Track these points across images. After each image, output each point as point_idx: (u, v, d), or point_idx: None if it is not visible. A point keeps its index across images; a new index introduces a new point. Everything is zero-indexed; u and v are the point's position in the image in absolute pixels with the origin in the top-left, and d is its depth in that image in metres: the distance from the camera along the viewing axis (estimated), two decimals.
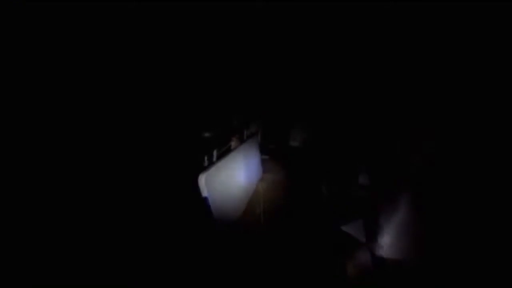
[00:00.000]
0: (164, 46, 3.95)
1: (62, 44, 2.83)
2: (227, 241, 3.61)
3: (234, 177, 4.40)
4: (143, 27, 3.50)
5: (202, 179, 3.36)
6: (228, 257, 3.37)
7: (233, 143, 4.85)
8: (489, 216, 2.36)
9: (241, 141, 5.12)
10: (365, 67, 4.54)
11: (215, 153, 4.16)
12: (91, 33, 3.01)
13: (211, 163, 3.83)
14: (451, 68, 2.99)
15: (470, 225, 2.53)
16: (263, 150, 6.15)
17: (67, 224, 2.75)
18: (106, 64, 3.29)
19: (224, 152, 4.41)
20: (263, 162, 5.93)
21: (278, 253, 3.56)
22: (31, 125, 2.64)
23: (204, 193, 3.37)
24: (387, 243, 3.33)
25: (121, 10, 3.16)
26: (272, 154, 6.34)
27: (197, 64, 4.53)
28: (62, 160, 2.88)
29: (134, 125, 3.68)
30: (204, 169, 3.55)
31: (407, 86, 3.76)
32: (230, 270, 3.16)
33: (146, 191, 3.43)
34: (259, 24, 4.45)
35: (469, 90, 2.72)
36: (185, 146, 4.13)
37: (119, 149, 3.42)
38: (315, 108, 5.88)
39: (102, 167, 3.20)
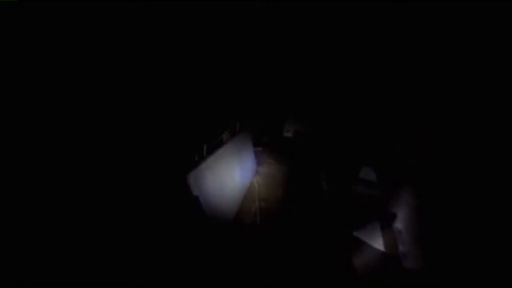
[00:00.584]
0: (162, 43, 3.79)
1: (60, 43, 2.75)
2: (222, 242, 3.32)
3: (227, 172, 4.09)
4: (142, 26, 3.43)
5: (192, 178, 3.03)
6: (223, 259, 3.10)
7: (224, 137, 4.50)
8: (490, 216, 2.34)
9: (233, 134, 4.77)
10: (364, 66, 4.48)
11: (205, 148, 3.81)
12: (90, 32, 2.93)
13: (201, 159, 3.48)
14: (452, 69, 2.97)
15: (472, 226, 2.47)
16: (256, 142, 5.84)
17: (53, 224, 2.47)
18: (94, 61, 3.01)
19: (215, 147, 4.06)
20: (256, 154, 5.63)
21: (276, 255, 3.33)
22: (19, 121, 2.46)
23: (195, 192, 3.04)
24: (412, 251, 3.06)
25: (121, 10, 3.12)
26: (265, 146, 6.06)
27: (189, 60, 4.29)
28: (46, 158, 2.54)
29: (121, 121, 3.30)
30: (193, 166, 3.21)
31: (408, 86, 3.72)
32: (225, 273, 2.92)
33: (134, 190, 3.05)
34: (259, 24, 4.43)
35: (469, 91, 2.73)
36: (174, 141, 3.74)
37: (103, 147, 3.03)
38: (312, 100, 5.64)
39: (87, 165, 2.83)
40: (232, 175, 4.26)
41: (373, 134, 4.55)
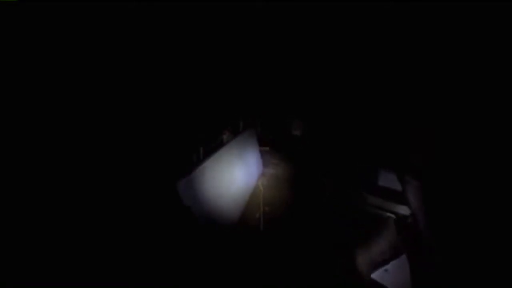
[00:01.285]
0: (161, 44, 3.74)
1: (59, 43, 2.72)
2: (219, 254, 3.09)
3: (227, 176, 3.83)
4: (141, 26, 3.41)
5: (183, 185, 2.80)
6: (221, 272, 2.89)
7: (225, 137, 4.24)
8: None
9: (235, 133, 4.51)
10: (368, 65, 4.32)
11: (202, 150, 3.58)
12: (90, 32, 2.91)
13: (197, 164, 3.25)
14: (452, 69, 2.95)
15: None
16: (263, 141, 5.54)
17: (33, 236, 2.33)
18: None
19: (215, 148, 3.81)
20: (262, 155, 5.34)
21: (279, 266, 3.05)
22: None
23: (187, 201, 2.82)
24: None
25: (121, 10, 3.11)
26: (272, 145, 5.73)
27: (189, 59, 4.15)
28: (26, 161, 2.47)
29: (115, 122, 3.20)
30: (186, 172, 2.98)
31: (409, 86, 3.63)
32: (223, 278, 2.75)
33: (119, 197, 2.90)
34: (259, 24, 4.37)
35: (469, 91, 2.71)
36: (167, 143, 3.54)
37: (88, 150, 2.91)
38: (319, 97, 5.33)
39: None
40: (233, 179, 4.00)
41: (376, 133, 4.37)
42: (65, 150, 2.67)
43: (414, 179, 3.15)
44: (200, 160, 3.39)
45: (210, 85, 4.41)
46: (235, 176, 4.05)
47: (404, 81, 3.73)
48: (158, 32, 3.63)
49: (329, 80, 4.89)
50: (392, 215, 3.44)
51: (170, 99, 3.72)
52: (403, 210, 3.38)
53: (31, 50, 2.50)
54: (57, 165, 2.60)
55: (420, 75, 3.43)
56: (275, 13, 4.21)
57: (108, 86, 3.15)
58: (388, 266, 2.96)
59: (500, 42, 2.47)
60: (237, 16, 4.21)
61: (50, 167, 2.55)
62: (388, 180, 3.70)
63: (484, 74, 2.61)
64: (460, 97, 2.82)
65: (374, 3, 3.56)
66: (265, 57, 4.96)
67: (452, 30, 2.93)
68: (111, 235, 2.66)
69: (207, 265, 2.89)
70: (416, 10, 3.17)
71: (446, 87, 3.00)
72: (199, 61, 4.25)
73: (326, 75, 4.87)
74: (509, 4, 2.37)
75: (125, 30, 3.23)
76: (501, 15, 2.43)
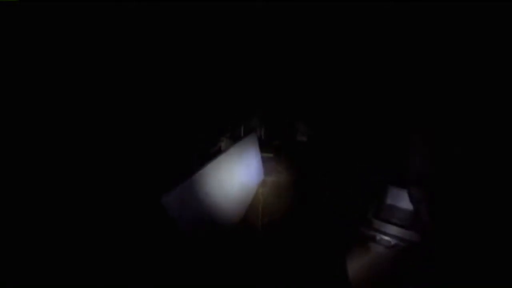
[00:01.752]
0: (161, 44, 3.72)
1: (60, 44, 2.71)
2: (211, 265, 2.90)
3: (223, 186, 3.62)
4: (141, 26, 3.41)
5: (171, 198, 2.62)
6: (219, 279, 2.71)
7: (223, 144, 4.05)
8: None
9: (235, 140, 4.30)
10: (367, 67, 4.31)
11: (197, 157, 3.41)
12: (90, 32, 2.90)
13: (190, 173, 3.07)
14: (452, 69, 2.97)
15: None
16: (267, 147, 5.31)
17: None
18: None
19: (212, 156, 3.62)
20: (266, 161, 5.10)
21: (277, 272, 2.90)
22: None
23: (175, 214, 2.64)
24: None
25: (121, 10, 3.11)
26: (277, 151, 5.48)
27: (189, 59, 4.07)
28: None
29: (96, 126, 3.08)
30: (178, 181, 2.81)
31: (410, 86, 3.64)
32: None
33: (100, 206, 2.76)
34: (259, 24, 4.33)
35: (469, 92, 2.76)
36: (157, 149, 3.39)
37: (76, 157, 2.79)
38: (324, 101, 5.12)
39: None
40: (231, 188, 3.79)
41: (380, 136, 4.36)
42: (55, 152, 2.59)
43: (416, 183, 3.14)
44: (194, 168, 3.21)
45: (211, 87, 4.26)
46: (232, 185, 3.84)
47: (405, 84, 3.70)
48: (158, 32, 3.55)
49: (331, 84, 4.73)
50: (399, 242, 3.16)
51: (167, 101, 3.60)
52: (408, 236, 3.14)
53: (31, 50, 2.46)
54: (47, 168, 2.52)
55: (420, 79, 3.41)
56: (275, 13, 4.07)
57: (105, 86, 3.07)
58: None
59: (500, 43, 2.47)
60: (238, 16, 4.07)
61: (39, 169, 2.47)
62: (397, 198, 3.39)
63: (484, 76, 2.61)
64: (460, 100, 2.84)
65: (375, 3, 3.45)
66: (268, 59, 4.78)
67: (451, 32, 2.92)
68: (107, 237, 2.56)
69: (205, 273, 2.75)
70: (416, 10, 3.11)
71: (446, 91, 3.00)
72: (200, 62, 4.12)
73: (328, 79, 4.70)
74: (509, 4, 2.38)
75: (125, 30, 3.18)
76: (501, 15, 2.43)
